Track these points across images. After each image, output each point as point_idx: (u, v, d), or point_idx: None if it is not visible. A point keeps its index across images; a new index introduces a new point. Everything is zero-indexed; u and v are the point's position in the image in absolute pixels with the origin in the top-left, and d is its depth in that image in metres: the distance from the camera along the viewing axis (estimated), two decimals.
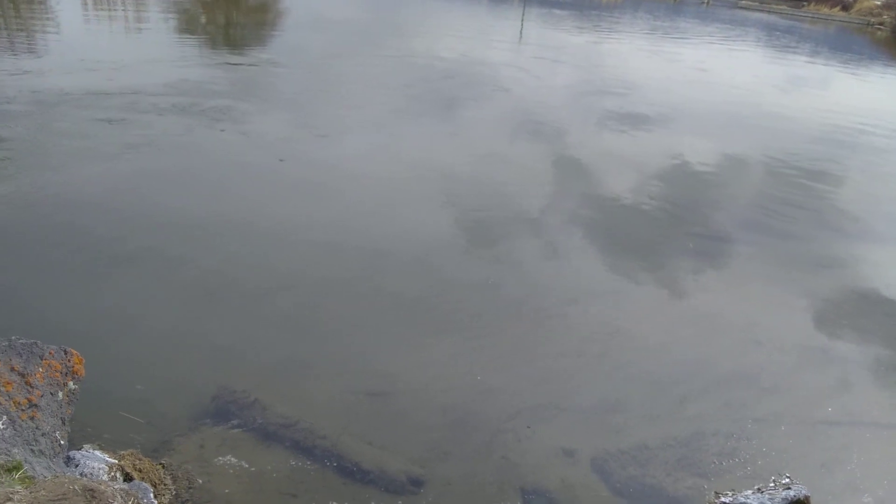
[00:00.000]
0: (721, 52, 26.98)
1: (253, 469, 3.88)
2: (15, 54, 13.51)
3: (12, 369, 3.02)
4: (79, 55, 13.94)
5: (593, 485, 4.13)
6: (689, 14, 44.48)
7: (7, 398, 2.93)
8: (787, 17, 49.59)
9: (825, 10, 52.10)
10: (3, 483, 2.57)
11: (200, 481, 3.69)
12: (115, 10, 21.61)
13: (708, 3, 53.78)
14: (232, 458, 3.92)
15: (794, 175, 10.69)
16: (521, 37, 25.72)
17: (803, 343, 5.93)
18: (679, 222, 8.31)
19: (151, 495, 2.83)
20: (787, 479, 4.19)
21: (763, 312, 6.36)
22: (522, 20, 31.31)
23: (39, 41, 15.22)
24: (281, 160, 8.88)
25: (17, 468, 2.76)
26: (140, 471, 3.38)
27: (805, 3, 54.83)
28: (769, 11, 51.67)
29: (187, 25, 20.54)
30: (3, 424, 2.90)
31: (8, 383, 2.97)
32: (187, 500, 3.53)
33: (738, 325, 6.07)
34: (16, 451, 2.83)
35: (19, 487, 2.56)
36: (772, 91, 18.97)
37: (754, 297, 6.66)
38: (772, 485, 4.14)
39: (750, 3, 55.12)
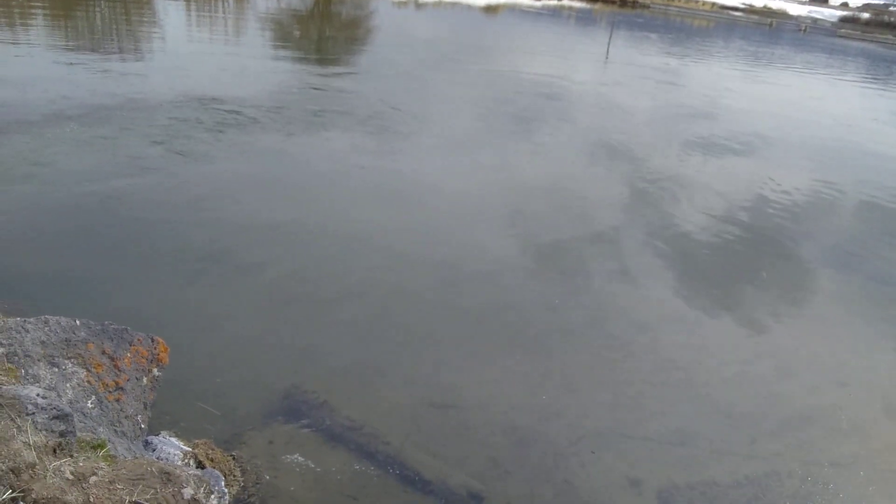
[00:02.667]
0: (818, 82, 25.97)
1: (318, 469, 3.97)
2: (123, 59, 14.38)
3: (103, 352, 3.21)
4: (178, 63, 14.71)
5: None
6: (785, 41, 43.02)
7: (97, 379, 3.12)
8: (890, 46, 47.25)
9: None
10: (88, 458, 2.73)
11: (267, 477, 3.80)
12: (216, 18, 22.71)
13: (805, 30, 51.88)
14: (299, 457, 4.02)
15: (889, 214, 10.15)
16: (607, 58, 25.51)
17: (890, 387, 5.60)
18: (764, 254, 8.02)
19: (223, 483, 2.95)
20: None
21: (849, 352, 6.05)
22: (609, 41, 31.06)
23: (145, 47, 16.16)
24: (340, 168, 9.12)
25: (101, 446, 2.92)
26: (212, 460, 3.51)
27: None
28: (871, 40, 49.37)
29: (282, 38, 21.37)
30: (91, 404, 3.08)
31: (99, 365, 3.15)
32: (253, 493, 3.65)
33: (821, 364, 5.79)
34: (101, 429, 3.01)
35: (103, 464, 2.71)
36: (872, 124, 18.11)
37: (841, 337, 6.35)
38: None
39: (850, 31, 52.85)
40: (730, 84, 22.30)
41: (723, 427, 4.83)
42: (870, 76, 30.39)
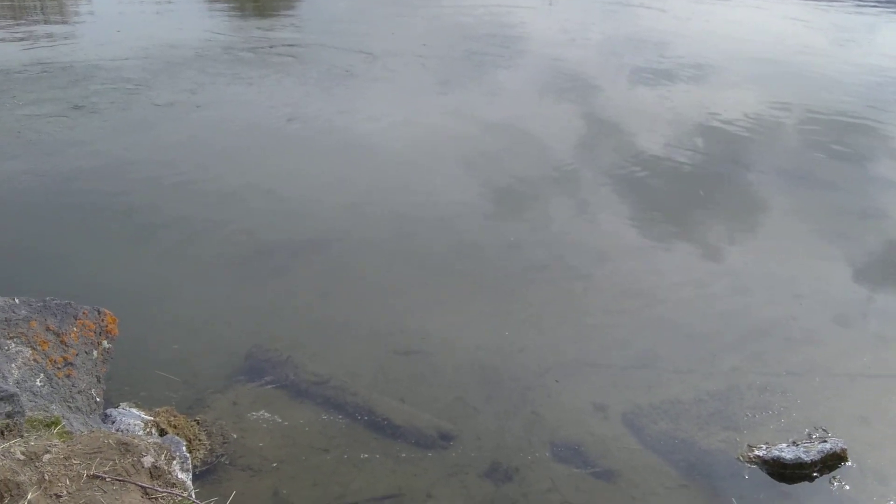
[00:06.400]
0: (760, 1, 25.96)
1: (286, 424, 3.96)
2: (48, 27, 13.68)
3: (48, 329, 3.11)
4: (108, 22, 14.07)
5: (624, 438, 4.12)
6: None
7: (43, 357, 3.03)
8: None
9: None
10: (41, 437, 2.67)
11: (234, 436, 3.78)
12: None
13: None
14: (265, 414, 4.00)
15: (837, 127, 10.30)
16: None
17: (842, 296, 5.76)
18: (714, 177, 8.11)
19: (184, 448, 2.91)
20: (823, 432, 4.11)
21: (801, 265, 6.19)
22: None
23: (69, 7, 15.39)
24: (289, 120, 8.90)
25: (55, 423, 2.85)
26: (175, 427, 3.47)
27: None
28: None
29: None
30: (40, 382, 2.99)
31: (44, 342, 3.06)
32: (222, 454, 3.63)
33: (775, 279, 5.92)
34: (54, 407, 2.93)
35: (57, 441, 2.64)
36: (814, 40, 18.23)
37: (792, 251, 6.48)
38: (807, 437, 4.08)
39: None
40: (674, 8, 22.18)
41: (683, 347, 4.93)
42: None
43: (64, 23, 14.30)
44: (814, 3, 25.72)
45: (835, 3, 26.04)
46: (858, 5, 25.78)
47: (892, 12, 24.39)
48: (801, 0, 26.40)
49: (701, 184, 7.85)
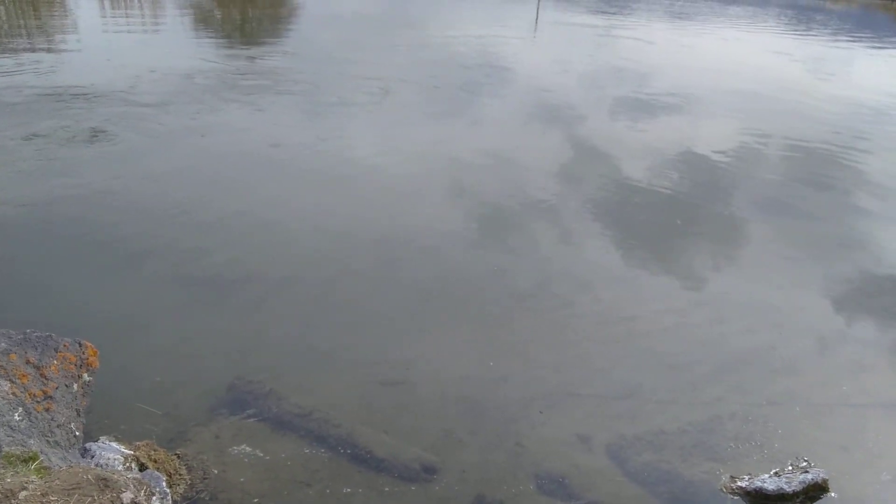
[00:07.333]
0: (742, 34, 26.55)
1: (268, 458, 3.92)
2: (35, 54, 13.69)
3: (27, 362, 3.08)
4: (95, 53, 14.10)
5: (608, 470, 4.12)
6: None
7: (23, 390, 2.99)
8: None
9: None
10: (18, 473, 2.63)
11: (216, 471, 3.73)
12: (131, 4, 21.79)
13: None
14: (247, 448, 3.96)
15: (816, 157, 10.51)
16: (536, 23, 25.52)
17: (821, 324, 5.84)
18: (695, 206, 8.22)
19: (164, 484, 2.88)
20: (805, 462, 4.14)
21: (781, 294, 6.27)
22: (538, 5, 31.05)
23: (58, 37, 15.42)
24: (275, 146, 8.96)
25: (33, 459, 2.81)
26: (155, 461, 3.43)
27: None
28: None
29: (203, 22, 20.68)
30: (19, 416, 2.96)
31: (23, 375, 3.03)
32: (202, 490, 3.58)
33: (755, 308, 5.99)
34: (32, 442, 2.89)
35: (34, 477, 2.61)
36: (794, 72, 18.65)
37: (772, 280, 6.57)
38: (789, 468, 4.10)
39: None
40: (656, 43, 22.61)
41: (665, 377, 4.96)
42: (789, 25, 31.23)
43: (51, 50, 14.32)
44: (793, 36, 26.34)
45: (811, 36, 26.67)
46: (834, 38, 26.41)
47: (867, 44, 25.01)
48: (781, 33, 27.02)
49: (681, 213, 7.95)
